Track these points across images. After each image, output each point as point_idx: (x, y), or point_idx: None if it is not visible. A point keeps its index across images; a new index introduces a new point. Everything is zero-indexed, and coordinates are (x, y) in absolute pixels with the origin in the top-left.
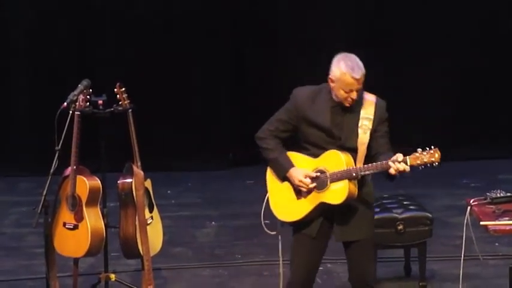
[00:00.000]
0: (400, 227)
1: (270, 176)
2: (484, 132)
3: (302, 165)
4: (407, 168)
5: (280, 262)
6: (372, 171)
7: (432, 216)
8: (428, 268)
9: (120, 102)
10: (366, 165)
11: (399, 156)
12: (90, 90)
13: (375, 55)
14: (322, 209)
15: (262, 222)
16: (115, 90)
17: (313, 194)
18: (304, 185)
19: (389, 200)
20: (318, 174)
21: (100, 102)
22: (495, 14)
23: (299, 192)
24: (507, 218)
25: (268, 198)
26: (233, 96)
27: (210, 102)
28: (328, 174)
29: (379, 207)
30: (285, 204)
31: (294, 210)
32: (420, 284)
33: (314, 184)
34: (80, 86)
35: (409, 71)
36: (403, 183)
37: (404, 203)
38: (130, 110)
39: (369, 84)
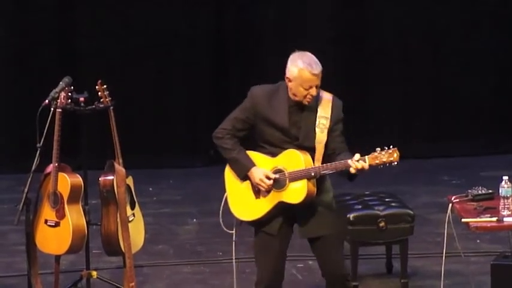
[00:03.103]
0: (382, 224)
1: (229, 175)
2: (465, 129)
3: (260, 164)
4: (366, 166)
5: (234, 261)
6: (330, 171)
7: (414, 213)
8: (410, 265)
9: (102, 100)
10: (325, 165)
11: (356, 156)
12: (72, 87)
13: (355, 52)
14: (281, 208)
15: (221, 221)
16: (96, 87)
17: (272, 193)
18: (263, 184)
19: (371, 197)
20: (278, 176)
21: (81, 99)
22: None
23: (258, 192)
24: (488, 215)
25: (226, 197)
26: (214, 94)
27: (191, 100)
28: (286, 174)
29: (361, 204)
30: (243, 203)
31: (253, 209)
32: (402, 281)
33: (271, 183)
34: (62, 83)
35: (388, 68)
36: (384, 181)
37: (386, 200)
38: (111, 107)
39: (347, 76)
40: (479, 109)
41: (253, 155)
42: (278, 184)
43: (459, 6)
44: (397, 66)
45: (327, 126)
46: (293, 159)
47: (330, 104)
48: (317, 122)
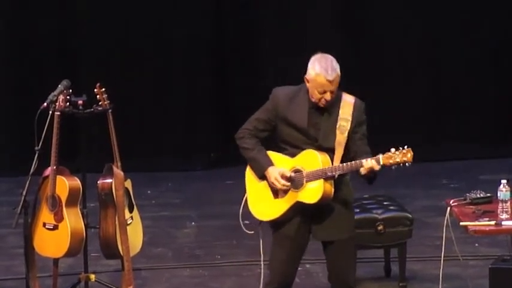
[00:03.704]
0: (380, 227)
1: (249, 175)
2: (464, 132)
3: (279, 164)
4: (376, 167)
5: (262, 262)
6: (346, 171)
7: (412, 216)
8: (408, 268)
9: (100, 103)
10: (340, 165)
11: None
12: (70, 90)
13: (355, 51)
14: (299, 208)
15: (241, 222)
16: (95, 90)
17: (290, 193)
18: (277, 184)
19: (369, 201)
20: (293, 174)
21: (80, 102)
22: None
23: (276, 192)
24: (487, 219)
25: (246, 197)
26: (214, 97)
27: (190, 102)
28: (304, 174)
29: (359, 207)
30: (262, 203)
31: (271, 209)
32: (400, 284)
33: (288, 183)
34: (60, 87)
35: (387, 70)
36: (383, 184)
37: (384, 203)
38: (110, 111)
39: (347, 77)
40: (479, 112)
41: (273, 155)
42: (295, 184)
43: (459, 6)
44: (396, 68)
45: (348, 128)
46: (311, 159)
47: (352, 106)
48: (338, 124)
